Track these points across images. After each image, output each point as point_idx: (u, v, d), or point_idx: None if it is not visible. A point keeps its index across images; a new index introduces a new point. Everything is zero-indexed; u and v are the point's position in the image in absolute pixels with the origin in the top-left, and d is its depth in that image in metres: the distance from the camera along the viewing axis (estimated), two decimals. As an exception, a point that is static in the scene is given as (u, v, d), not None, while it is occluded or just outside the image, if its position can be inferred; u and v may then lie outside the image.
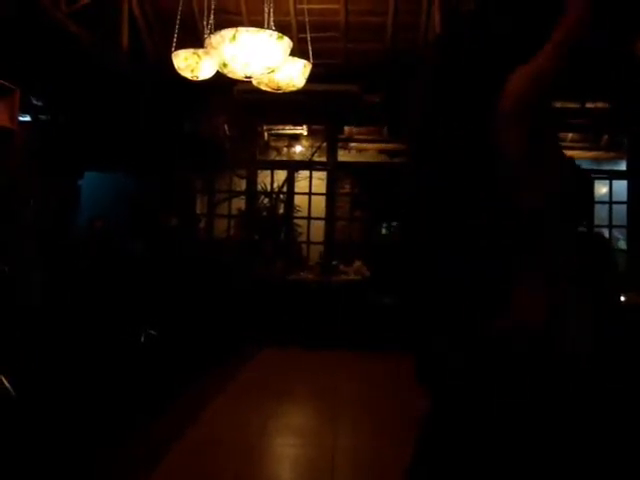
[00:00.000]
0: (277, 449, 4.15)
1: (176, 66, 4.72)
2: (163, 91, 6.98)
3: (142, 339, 6.13)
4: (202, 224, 8.79)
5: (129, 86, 6.76)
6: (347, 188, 9.78)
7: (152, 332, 6.22)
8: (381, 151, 10.01)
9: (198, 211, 9.08)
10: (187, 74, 4.73)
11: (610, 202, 8.40)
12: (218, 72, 4.45)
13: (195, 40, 5.12)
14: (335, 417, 4.67)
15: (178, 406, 4.66)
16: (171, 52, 4.79)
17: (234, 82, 5.66)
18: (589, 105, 7.65)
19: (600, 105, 7.78)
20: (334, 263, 8.05)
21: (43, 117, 6.61)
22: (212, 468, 3.55)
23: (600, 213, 8.36)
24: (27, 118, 6.41)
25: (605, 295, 1.50)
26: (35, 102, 6.43)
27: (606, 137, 9.36)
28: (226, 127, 8.54)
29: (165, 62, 5.23)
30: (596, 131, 9.11)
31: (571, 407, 1.30)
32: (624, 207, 8.15)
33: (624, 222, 8.20)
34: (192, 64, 4.65)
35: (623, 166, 8.69)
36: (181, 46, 4.79)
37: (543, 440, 1.27)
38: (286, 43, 4.01)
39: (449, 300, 1.46)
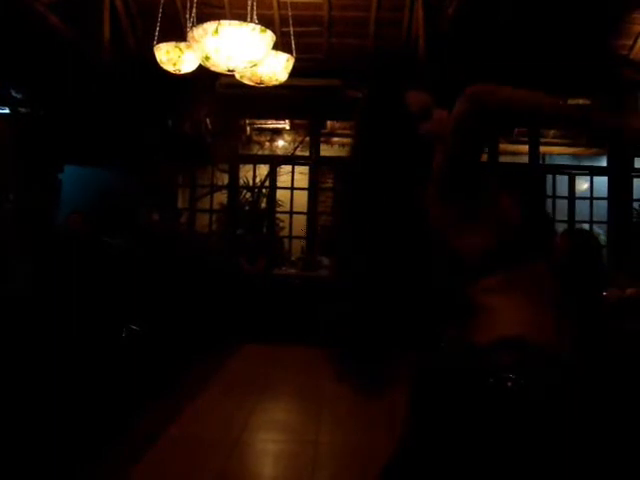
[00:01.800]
0: (260, 445, 4.13)
1: (158, 59, 4.67)
2: (145, 84, 6.92)
3: (124, 334, 6.07)
4: (183, 219, 8.73)
5: (110, 79, 6.69)
6: (329, 183, 9.76)
7: (134, 327, 6.16)
8: (364, 146, 9.98)
9: (179, 205, 9.02)
10: (169, 67, 4.68)
11: (591, 198, 8.47)
12: (200, 66, 4.42)
13: (177, 33, 5.08)
14: (317, 413, 4.66)
15: (159, 403, 4.63)
16: (153, 45, 4.74)
17: (216, 76, 5.62)
18: (571, 101, 7.69)
19: (582, 101, 7.82)
20: (319, 259, 8.03)
21: (23, 110, 6.53)
22: (195, 463, 3.54)
23: (581, 209, 8.42)
24: (6, 111, 6.33)
25: (592, 291, 1.51)
26: (14, 94, 6.35)
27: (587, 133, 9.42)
28: (208, 121, 8.48)
29: (147, 55, 5.18)
30: (577, 127, 9.15)
31: (567, 408, 1.30)
32: (605, 203, 8.23)
33: (605, 218, 8.28)
34: (174, 57, 4.61)
35: (604, 162, 8.75)
36: (163, 39, 4.74)
37: (541, 442, 1.26)
38: (269, 37, 3.99)
39: (442, 305, 1.46)
